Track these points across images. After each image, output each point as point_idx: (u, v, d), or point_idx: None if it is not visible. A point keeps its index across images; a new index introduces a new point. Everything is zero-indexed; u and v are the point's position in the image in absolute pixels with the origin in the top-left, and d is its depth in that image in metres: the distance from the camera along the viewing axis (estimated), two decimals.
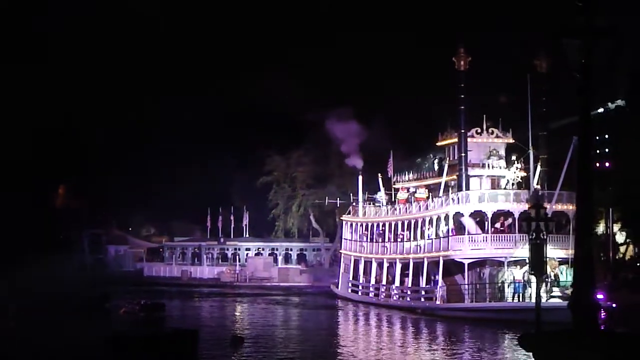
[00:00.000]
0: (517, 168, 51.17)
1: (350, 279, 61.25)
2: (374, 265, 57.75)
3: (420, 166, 57.55)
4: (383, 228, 57.81)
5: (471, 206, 48.55)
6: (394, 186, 59.80)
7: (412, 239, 53.12)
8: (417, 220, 52.68)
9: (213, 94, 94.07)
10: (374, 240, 58.52)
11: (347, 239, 64.13)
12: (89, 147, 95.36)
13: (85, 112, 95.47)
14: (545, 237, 25.30)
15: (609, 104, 61.75)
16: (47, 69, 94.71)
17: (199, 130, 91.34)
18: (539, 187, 48.89)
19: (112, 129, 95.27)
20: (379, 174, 61.83)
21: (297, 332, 42.34)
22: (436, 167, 55.76)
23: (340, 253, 65.62)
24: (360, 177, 64.34)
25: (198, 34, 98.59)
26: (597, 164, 59.62)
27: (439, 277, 48.60)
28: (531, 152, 49.31)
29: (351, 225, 63.70)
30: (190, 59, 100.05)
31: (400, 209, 56.01)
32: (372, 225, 59.56)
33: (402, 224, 54.80)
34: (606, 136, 63.65)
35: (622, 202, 53.88)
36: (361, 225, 61.66)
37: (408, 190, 57.51)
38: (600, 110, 60.27)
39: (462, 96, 50.51)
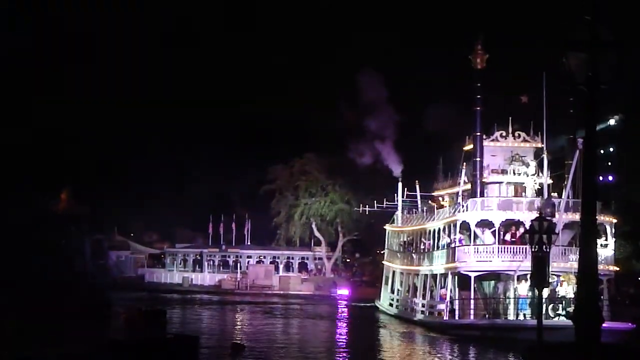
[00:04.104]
0: (534, 174, 47.91)
1: (389, 291, 58.90)
2: (405, 277, 55.56)
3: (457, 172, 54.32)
4: (410, 238, 56.14)
5: (477, 214, 45.54)
6: (434, 193, 57.13)
7: (431, 249, 50.74)
8: (434, 230, 50.59)
9: (217, 102, 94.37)
10: (407, 251, 56.30)
11: (388, 249, 61.99)
12: (91, 153, 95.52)
13: (89, 118, 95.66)
14: (548, 249, 25.09)
15: (615, 116, 61.33)
16: (53, 73, 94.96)
17: (201, 138, 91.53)
18: (555, 194, 46.36)
19: (115, 135, 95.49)
20: (417, 181, 59.60)
21: (297, 341, 42.27)
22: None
23: (382, 264, 63.26)
24: (400, 184, 61.38)
25: (200, 41, 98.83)
26: (601, 178, 59.52)
27: (447, 291, 46.24)
28: (545, 157, 46.89)
29: (390, 234, 61.66)
30: (192, 67, 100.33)
31: (424, 217, 53.76)
32: (404, 235, 57.75)
33: (423, 233, 52.88)
34: (610, 149, 63.60)
35: (624, 216, 53.73)
36: (397, 234, 59.72)
37: (443, 198, 55.04)
38: (612, 122, 59.28)
39: (479, 96, 47.55)
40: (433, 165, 58.80)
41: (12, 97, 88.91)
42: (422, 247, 53.01)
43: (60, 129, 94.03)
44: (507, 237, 45.95)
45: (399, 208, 60.58)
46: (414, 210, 58.82)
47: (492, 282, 46.23)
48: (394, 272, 58.29)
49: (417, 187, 59.74)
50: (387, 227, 62.43)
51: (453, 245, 46.79)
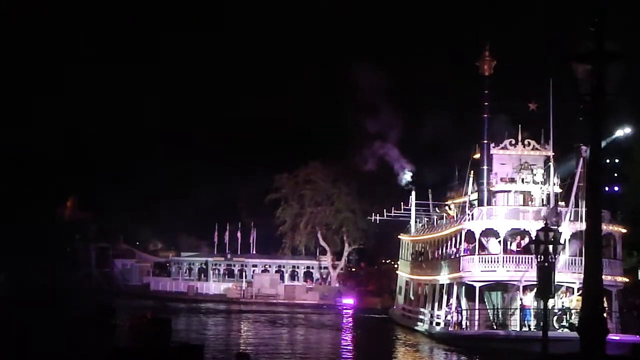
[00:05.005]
0: (543, 183, 47.10)
1: (402, 302, 58.20)
2: (415, 286, 54.99)
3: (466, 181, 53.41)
4: (420, 247, 55.69)
5: (482, 224, 45.21)
6: (447, 202, 56.18)
7: (439, 259, 50.15)
8: (442, 240, 50.07)
9: (223, 110, 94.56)
10: (417, 261, 55.81)
11: (401, 259, 61.54)
12: (97, 161, 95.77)
13: (95, 127, 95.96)
14: (553, 259, 25.01)
15: (622, 127, 60.98)
16: (59, 82, 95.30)
17: (207, 146, 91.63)
18: (562, 203, 45.68)
19: (120, 144, 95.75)
20: (429, 189, 59.19)
21: (302, 350, 42.17)
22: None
23: (397, 274, 62.68)
24: (413, 193, 60.86)
25: (206, 49, 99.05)
26: (607, 188, 59.30)
27: (453, 301, 45.75)
28: (552, 165, 46.55)
29: (403, 244, 61.24)
30: (200, 75, 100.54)
31: (434, 226, 53.33)
32: (415, 244, 57.39)
33: (432, 243, 52.40)
34: (616, 160, 63.45)
35: (630, 227, 53.53)
36: (410, 244, 59.14)
37: (449, 207, 54.43)
38: (620, 133, 58.87)
39: (486, 104, 47.21)
40: (441, 173, 58.49)
41: (15, 102, 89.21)
42: (430, 256, 52.65)
43: (66, 137, 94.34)
44: (513, 246, 45.45)
45: (412, 217, 60.04)
46: (425, 219, 58.51)
47: (499, 293, 45.70)
48: (406, 281, 57.92)
49: (430, 196, 59.47)
50: (401, 236, 62.15)
51: (459, 254, 46.30)
